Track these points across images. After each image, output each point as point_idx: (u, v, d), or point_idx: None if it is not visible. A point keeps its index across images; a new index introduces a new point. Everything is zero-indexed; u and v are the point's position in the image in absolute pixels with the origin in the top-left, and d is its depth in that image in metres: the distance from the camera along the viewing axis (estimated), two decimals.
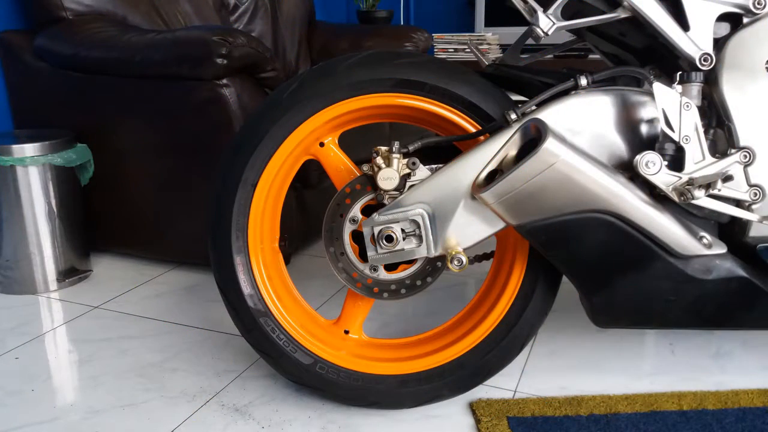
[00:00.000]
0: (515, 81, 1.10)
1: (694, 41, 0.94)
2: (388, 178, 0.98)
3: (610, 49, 1.22)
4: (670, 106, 0.90)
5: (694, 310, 0.97)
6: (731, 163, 0.93)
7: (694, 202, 0.91)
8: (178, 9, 2.08)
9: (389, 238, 0.98)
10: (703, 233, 0.95)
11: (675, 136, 0.91)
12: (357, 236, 1.04)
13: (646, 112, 0.96)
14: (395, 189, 0.99)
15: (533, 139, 0.94)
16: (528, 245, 1.04)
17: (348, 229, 1.04)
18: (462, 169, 0.96)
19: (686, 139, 0.91)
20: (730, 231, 0.99)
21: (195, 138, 1.60)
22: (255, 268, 1.10)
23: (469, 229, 0.97)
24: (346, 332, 1.14)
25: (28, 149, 1.58)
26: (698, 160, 0.93)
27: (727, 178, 0.93)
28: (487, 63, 1.19)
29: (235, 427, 1.08)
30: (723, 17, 0.95)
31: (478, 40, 2.85)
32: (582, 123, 0.95)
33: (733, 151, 0.94)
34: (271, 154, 1.05)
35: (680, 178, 0.92)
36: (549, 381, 1.19)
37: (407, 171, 1.00)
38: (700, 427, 1.04)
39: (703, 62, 0.94)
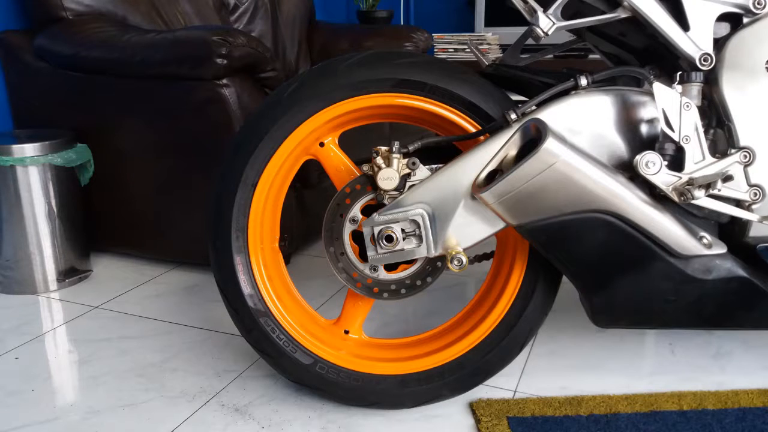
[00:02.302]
0: (515, 81, 1.10)
1: (694, 41, 0.94)
2: (388, 178, 0.98)
3: (610, 49, 1.22)
4: (670, 106, 0.90)
5: (694, 310, 0.97)
6: (731, 163, 0.93)
7: (694, 202, 0.91)
8: (178, 9, 2.08)
9: (389, 238, 0.98)
10: (703, 233, 0.95)
11: (675, 136, 0.91)
12: (357, 236, 1.04)
13: (646, 112, 0.96)
14: (395, 189, 0.99)
15: (533, 139, 0.94)
16: (528, 245, 1.04)
17: (348, 229, 1.04)
18: (462, 169, 0.96)
19: (686, 139, 0.91)
20: (730, 231, 0.99)
21: (195, 138, 1.60)
22: (255, 268, 1.10)
23: (469, 229, 0.97)
24: (346, 332, 1.14)
25: (28, 149, 1.58)
26: (698, 160, 0.93)
27: (727, 178, 0.93)
28: (487, 63, 1.19)
29: (235, 427, 1.08)
30: (723, 17, 0.95)
31: (478, 40, 2.85)
32: (582, 123, 0.95)
33: (733, 151, 0.94)
34: (271, 154, 1.05)
35: (680, 178, 0.92)
36: (549, 381, 1.19)
37: (407, 171, 1.00)
38: (700, 427, 1.04)
39: (703, 62, 0.94)
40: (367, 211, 1.02)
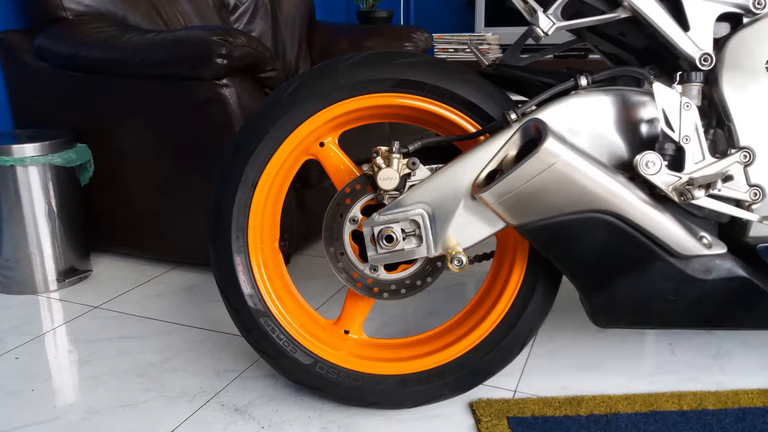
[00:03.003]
0: (515, 81, 1.10)
1: (694, 41, 0.94)
2: (388, 178, 0.98)
3: (610, 49, 1.22)
4: (670, 106, 0.90)
5: (694, 310, 0.97)
6: (731, 163, 0.93)
7: (694, 202, 0.91)
8: (178, 9, 2.08)
9: (389, 238, 0.98)
10: (703, 233, 0.95)
11: (675, 136, 0.91)
12: (357, 236, 1.04)
13: (646, 112, 0.96)
14: (395, 189, 0.99)
15: (533, 139, 0.94)
16: (528, 245, 1.04)
17: (348, 229, 1.04)
18: (462, 169, 0.96)
19: (686, 139, 0.91)
20: (730, 231, 0.99)
21: (195, 138, 1.60)
22: (255, 268, 1.10)
23: (469, 229, 0.97)
24: (346, 332, 1.14)
25: (28, 149, 1.58)
26: (698, 160, 0.93)
27: (727, 178, 0.93)
28: (487, 63, 1.19)
29: (235, 427, 1.08)
30: (723, 17, 0.95)
31: (478, 40, 2.85)
32: (582, 123, 0.95)
33: (733, 151, 0.94)
34: (271, 154, 1.05)
35: (680, 178, 0.92)
36: (549, 381, 1.19)
37: (407, 171, 1.00)
38: (700, 427, 1.04)
39: (703, 62, 0.94)
40: (367, 211, 1.02)
